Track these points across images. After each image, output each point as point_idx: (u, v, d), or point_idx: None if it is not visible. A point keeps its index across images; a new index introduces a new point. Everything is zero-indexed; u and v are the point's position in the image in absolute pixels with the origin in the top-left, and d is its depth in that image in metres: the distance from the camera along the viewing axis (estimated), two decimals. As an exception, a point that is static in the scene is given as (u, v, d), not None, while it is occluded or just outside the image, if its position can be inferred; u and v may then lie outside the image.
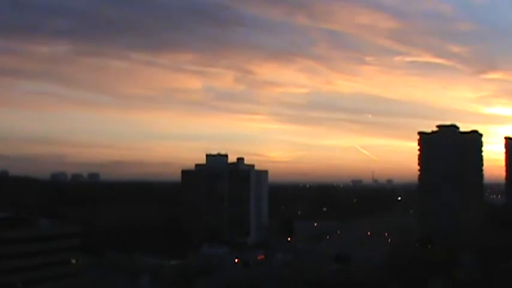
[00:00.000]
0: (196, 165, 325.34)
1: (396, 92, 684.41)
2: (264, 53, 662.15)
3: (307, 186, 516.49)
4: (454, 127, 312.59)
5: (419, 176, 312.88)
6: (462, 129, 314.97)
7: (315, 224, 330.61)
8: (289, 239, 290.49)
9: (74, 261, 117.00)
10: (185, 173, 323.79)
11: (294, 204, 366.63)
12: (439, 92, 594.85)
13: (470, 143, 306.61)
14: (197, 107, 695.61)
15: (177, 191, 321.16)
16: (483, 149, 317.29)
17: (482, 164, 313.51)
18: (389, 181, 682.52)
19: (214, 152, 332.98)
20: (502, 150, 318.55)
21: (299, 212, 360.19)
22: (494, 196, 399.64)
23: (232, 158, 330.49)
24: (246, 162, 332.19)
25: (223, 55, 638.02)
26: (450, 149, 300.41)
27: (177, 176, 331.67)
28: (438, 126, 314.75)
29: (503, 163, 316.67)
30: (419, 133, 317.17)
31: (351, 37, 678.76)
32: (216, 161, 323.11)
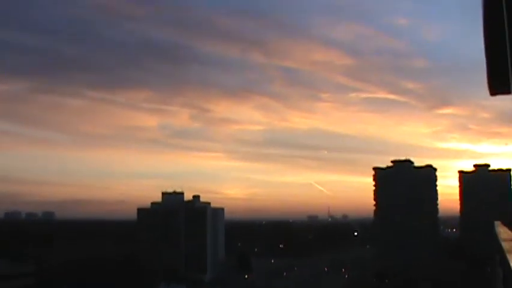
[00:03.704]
0: (152, 203, 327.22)
1: (351, 128, 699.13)
2: (220, 90, 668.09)
3: (263, 222, 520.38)
4: (409, 162, 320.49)
5: (375, 211, 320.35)
6: (417, 163, 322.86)
7: (272, 261, 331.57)
8: (246, 276, 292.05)
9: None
10: (141, 211, 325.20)
11: (250, 241, 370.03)
12: (393, 127, 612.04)
13: (424, 178, 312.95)
14: (153, 144, 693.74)
15: (133, 229, 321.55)
16: (438, 183, 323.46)
17: (437, 198, 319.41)
18: (344, 216, 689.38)
19: (170, 190, 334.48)
20: (456, 184, 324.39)
21: (256, 249, 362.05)
22: (449, 230, 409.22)
23: (188, 196, 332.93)
24: (202, 199, 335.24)
25: (179, 93, 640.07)
26: (405, 184, 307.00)
27: (133, 214, 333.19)
28: (393, 162, 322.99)
29: (458, 197, 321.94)
30: (374, 168, 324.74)
31: (306, 74, 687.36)
32: (172, 198, 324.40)
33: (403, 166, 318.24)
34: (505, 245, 9.20)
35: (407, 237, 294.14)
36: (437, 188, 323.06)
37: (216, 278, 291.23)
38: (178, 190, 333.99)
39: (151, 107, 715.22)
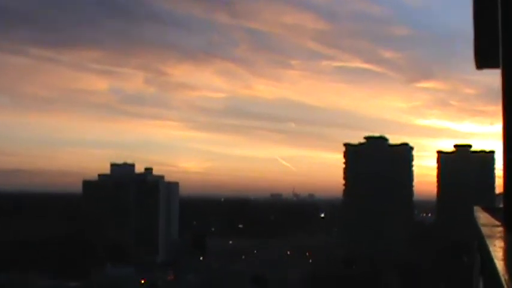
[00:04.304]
0: (100, 176, 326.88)
1: (322, 100, 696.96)
2: (179, 52, 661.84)
3: (222, 200, 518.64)
4: (383, 139, 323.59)
5: (344, 190, 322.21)
6: (392, 141, 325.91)
7: (230, 242, 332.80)
8: (201, 257, 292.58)
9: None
10: (87, 183, 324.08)
11: (207, 220, 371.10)
12: (368, 100, 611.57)
13: (400, 157, 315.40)
14: (102, 110, 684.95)
15: (78, 203, 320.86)
16: (414, 163, 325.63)
17: (412, 180, 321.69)
18: (311, 195, 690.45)
19: (120, 161, 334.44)
20: (434, 165, 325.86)
21: (212, 229, 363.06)
22: (424, 215, 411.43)
23: (139, 168, 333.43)
24: (155, 172, 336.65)
25: (134, 54, 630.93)
26: (378, 163, 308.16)
27: (79, 187, 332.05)
28: (366, 138, 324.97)
29: (435, 179, 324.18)
30: (346, 145, 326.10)
31: (274, 38, 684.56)
32: (122, 170, 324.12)
33: (376, 143, 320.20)
34: (484, 230, 9.40)
35: (378, 221, 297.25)
36: (413, 168, 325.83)
37: (168, 259, 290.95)
38: (129, 161, 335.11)
39: (102, 68, 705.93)
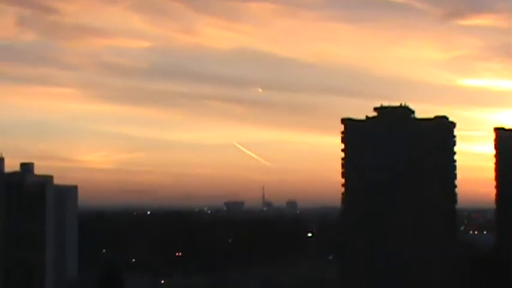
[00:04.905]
0: None
1: (305, 50, 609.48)
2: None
3: (148, 212, 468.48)
4: (406, 110, 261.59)
5: (344, 195, 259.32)
6: (420, 113, 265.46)
7: (162, 282, 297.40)
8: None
9: None
10: None
11: (124, 246, 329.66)
12: (381, 50, 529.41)
13: (433, 138, 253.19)
14: None
15: None
16: (456, 148, 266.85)
17: (454, 176, 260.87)
18: (291, 203, 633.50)
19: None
20: (490, 150, 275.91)
21: (133, 259, 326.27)
22: (476, 232, 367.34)
23: (12, 163, 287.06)
24: (38, 170, 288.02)
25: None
26: (398, 149, 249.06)
27: None
28: (378, 109, 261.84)
29: (493, 173, 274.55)
30: (345, 121, 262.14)
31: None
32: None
33: (395, 117, 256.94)
34: None
35: (400, 244, 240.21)
36: (455, 157, 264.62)
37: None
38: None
39: None
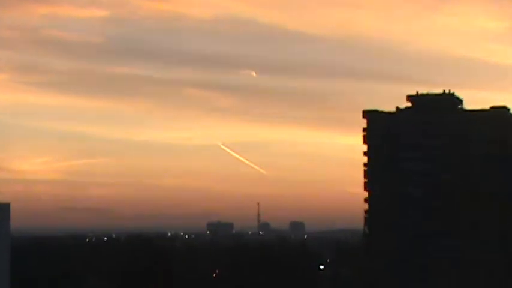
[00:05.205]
0: None
1: (311, 20, 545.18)
2: None
3: (105, 238, 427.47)
4: (452, 98, 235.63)
5: (368, 212, 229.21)
6: (470, 104, 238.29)
7: None
8: None
9: None
10: None
11: (72, 281, 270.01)
12: (415, 17, 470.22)
13: (490, 134, 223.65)
14: None
15: None
16: None
17: None
18: (295, 225, 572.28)
19: None
20: None
21: None
22: None
23: None
24: None
25: None
26: (443, 150, 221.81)
27: None
28: (412, 98, 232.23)
29: None
30: (367, 114, 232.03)
31: None
32: None
33: (436, 108, 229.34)
34: None
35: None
36: None
37: None
38: None
39: None
